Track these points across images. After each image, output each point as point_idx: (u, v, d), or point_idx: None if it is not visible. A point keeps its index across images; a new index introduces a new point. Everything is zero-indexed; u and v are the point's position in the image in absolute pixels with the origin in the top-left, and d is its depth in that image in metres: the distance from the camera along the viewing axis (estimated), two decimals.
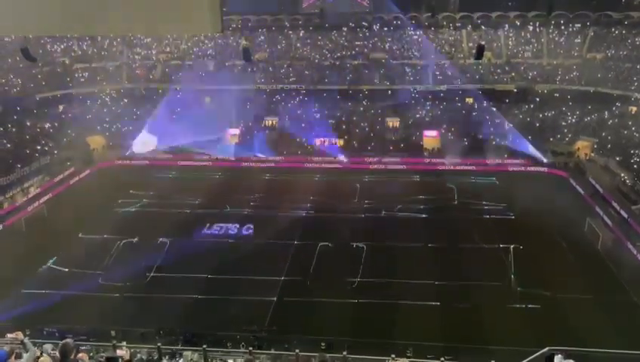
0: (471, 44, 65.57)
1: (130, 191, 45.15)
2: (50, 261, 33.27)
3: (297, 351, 11.14)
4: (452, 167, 52.40)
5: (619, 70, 59.12)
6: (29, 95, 59.12)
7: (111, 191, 45.79)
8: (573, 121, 57.22)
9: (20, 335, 8.62)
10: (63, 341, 8.05)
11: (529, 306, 28.02)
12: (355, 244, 35.28)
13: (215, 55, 69.51)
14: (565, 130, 56.09)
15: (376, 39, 69.74)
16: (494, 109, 59.77)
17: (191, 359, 11.40)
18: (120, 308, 28.50)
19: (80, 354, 8.51)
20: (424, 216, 40.45)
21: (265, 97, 64.44)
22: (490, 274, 31.48)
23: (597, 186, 44.26)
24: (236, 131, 60.06)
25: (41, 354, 8.81)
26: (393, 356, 10.34)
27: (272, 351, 12.98)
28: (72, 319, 26.12)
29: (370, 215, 40.81)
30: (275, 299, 29.28)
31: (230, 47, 69.43)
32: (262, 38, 71.05)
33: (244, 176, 50.87)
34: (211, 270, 32.15)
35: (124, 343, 10.53)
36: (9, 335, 9.04)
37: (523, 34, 67.56)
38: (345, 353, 11.32)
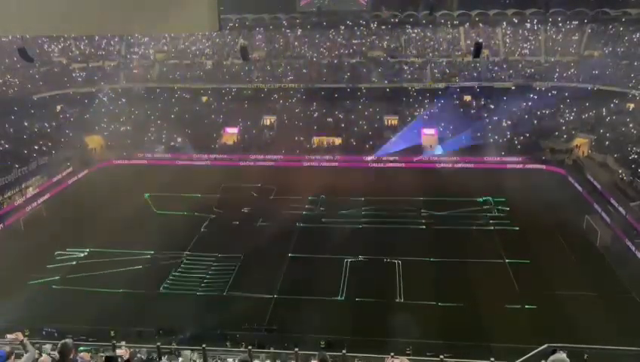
0: (469, 42, 65.60)
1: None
2: None
3: (297, 349, 11.14)
4: (450, 165, 52.51)
5: (616, 67, 59.20)
6: (26, 95, 59.03)
7: (110, 190, 45.77)
8: (571, 118, 57.31)
9: (19, 335, 8.62)
10: (62, 341, 8.06)
11: (528, 303, 28.07)
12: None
13: (213, 54, 69.49)
14: (563, 128, 56.16)
15: (374, 37, 69.74)
16: (492, 107, 59.94)
17: (191, 358, 11.41)
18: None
19: (81, 354, 8.52)
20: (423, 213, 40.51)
21: (263, 96, 64.46)
22: (488, 272, 31.58)
23: (595, 183, 44.33)
24: (234, 130, 60.05)
25: (40, 354, 8.82)
26: (392, 354, 10.33)
27: (272, 350, 12.95)
28: None
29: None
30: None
31: (228, 46, 69.42)
32: (259, 36, 71.04)
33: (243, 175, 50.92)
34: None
35: (124, 343, 10.53)
36: (9, 336, 9.03)
37: (521, 31, 67.60)
38: (344, 351, 11.31)
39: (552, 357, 8.23)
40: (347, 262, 32.76)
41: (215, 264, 33.06)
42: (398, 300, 28.74)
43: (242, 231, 37.91)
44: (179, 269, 32.44)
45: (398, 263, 32.43)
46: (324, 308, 28.04)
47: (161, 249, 34.65)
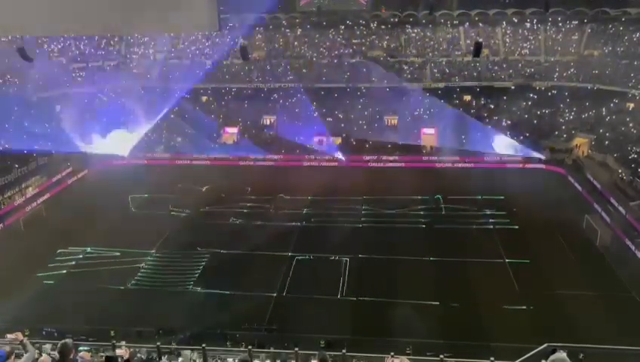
0: (469, 42, 65.59)
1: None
2: None
3: (297, 349, 11.14)
4: (450, 165, 52.51)
5: (616, 67, 59.19)
6: (26, 95, 58.93)
7: (110, 190, 45.77)
8: (571, 117, 57.31)
9: (19, 335, 8.62)
10: (62, 341, 8.06)
11: (528, 303, 28.05)
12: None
13: (212, 54, 69.46)
14: (563, 127, 56.15)
15: (373, 37, 69.72)
16: (492, 106, 59.90)
17: (191, 358, 11.41)
18: None
19: (81, 354, 8.53)
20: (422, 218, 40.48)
21: (263, 96, 64.45)
22: (488, 272, 31.59)
23: (595, 183, 44.35)
24: (234, 130, 60.06)
25: (40, 354, 8.83)
26: (392, 353, 10.32)
27: (272, 350, 12.97)
28: None
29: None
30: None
31: (227, 46, 69.36)
32: (259, 36, 71.01)
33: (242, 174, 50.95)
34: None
35: (124, 342, 10.53)
36: (9, 336, 9.04)
37: (520, 31, 67.58)
38: (344, 351, 11.32)
39: (552, 357, 8.22)
40: (295, 259, 33.38)
41: (181, 260, 33.63)
42: (338, 297, 29.19)
43: (210, 229, 38.46)
44: (145, 267, 33.00)
45: (346, 261, 32.89)
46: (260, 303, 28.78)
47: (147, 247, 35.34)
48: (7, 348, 8.14)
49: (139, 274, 32.08)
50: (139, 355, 10.99)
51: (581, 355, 12.41)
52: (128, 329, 24.61)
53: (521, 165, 51.79)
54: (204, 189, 46.11)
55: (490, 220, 38.83)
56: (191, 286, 30.53)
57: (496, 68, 64.18)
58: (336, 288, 29.94)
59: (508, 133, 55.48)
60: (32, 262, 33.21)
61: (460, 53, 66.10)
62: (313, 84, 63.73)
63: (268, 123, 61.82)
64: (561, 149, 53.13)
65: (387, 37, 69.45)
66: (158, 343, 11.55)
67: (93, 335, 21.39)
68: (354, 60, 67.18)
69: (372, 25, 70.03)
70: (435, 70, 64.50)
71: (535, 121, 57.46)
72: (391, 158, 54.02)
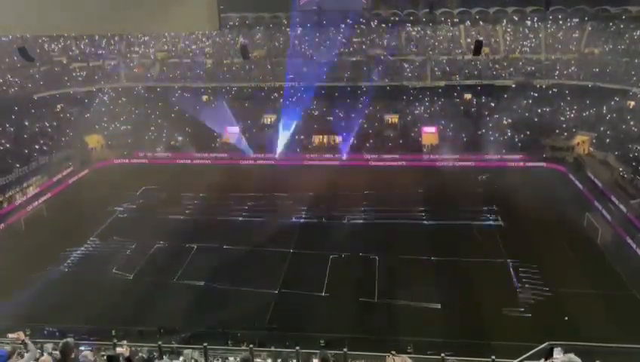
0: (469, 40, 65.52)
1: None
2: None
3: (298, 348, 11.14)
4: (450, 164, 52.42)
5: (617, 65, 59.10)
6: (27, 94, 59.01)
7: (110, 190, 45.80)
8: (572, 116, 57.23)
9: (21, 335, 8.63)
10: (64, 340, 8.07)
11: (528, 302, 28.05)
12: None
13: (213, 53, 69.42)
14: (564, 125, 56.09)
15: (374, 36, 69.64)
16: (493, 105, 59.84)
17: (192, 357, 11.41)
18: None
19: (84, 353, 8.52)
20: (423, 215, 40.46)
21: (263, 95, 64.36)
22: (488, 271, 31.59)
23: (596, 181, 44.31)
24: (235, 129, 60.00)
25: (41, 353, 8.83)
26: (393, 352, 10.31)
27: (273, 349, 12.97)
28: None
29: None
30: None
31: (228, 45, 69.35)
32: (259, 35, 70.95)
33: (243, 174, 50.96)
34: None
35: (125, 342, 10.54)
36: (10, 335, 9.05)
37: (521, 29, 67.49)
38: (345, 350, 11.32)
39: (562, 358, 8.15)
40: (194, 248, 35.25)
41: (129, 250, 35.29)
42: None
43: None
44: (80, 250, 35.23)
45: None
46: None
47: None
48: (9, 348, 8.14)
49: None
50: (140, 354, 10.99)
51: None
52: (129, 329, 24.70)
53: (521, 163, 51.72)
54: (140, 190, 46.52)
55: (489, 216, 38.86)
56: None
57: (496, 66, 64.11)
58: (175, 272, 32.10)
59: (509, 131, 55.43)
60: (33, 261, 33.28)
61: (460, 51, 66.02)
62: (313, 83, 63.59)
63: (268, 122, 61.76)
64: (562, 147, 53.04)
65: (387, 35, 69.35)
66: (160, 342, 11.55)
67: (94, 334, 21.45)
68: (354, 59, 67.08)
69: (372, 23, 69.93)
70: (436, 68, 64.44)
71: (536, 119, 57.38)
72: (391, 157, 53.96)
